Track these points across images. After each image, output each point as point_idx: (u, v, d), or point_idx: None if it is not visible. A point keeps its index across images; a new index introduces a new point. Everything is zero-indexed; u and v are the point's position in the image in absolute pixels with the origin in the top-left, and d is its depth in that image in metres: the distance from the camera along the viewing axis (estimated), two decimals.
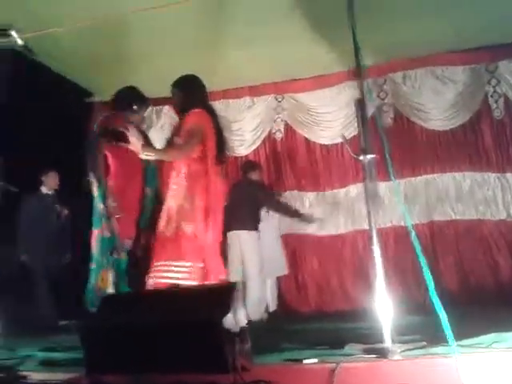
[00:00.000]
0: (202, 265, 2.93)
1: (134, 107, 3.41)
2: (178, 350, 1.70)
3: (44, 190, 5.39)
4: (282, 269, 5.38)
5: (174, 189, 3.08)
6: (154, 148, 3.29)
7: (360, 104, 2.08)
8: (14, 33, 2.67)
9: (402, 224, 5.47)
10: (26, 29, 2.73)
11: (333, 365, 1.85)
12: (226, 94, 5.89)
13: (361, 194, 5.61)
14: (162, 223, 3.02)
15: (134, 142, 2.89)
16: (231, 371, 1.64)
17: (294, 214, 5.32)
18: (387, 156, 1.98)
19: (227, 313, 1.67)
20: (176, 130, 3.29)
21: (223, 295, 1.78)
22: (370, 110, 2.22)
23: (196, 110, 3.20)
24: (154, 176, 3.38)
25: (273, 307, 5.26)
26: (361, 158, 2.03)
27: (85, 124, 6.11)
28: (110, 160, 3.35)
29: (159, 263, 2.92)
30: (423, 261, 1.97)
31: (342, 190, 5.77)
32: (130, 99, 3.44)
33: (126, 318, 1.84)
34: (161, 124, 6.30)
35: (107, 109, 5.98)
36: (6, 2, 3.82)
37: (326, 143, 5.90)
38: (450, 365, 1.78)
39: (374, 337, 2.17)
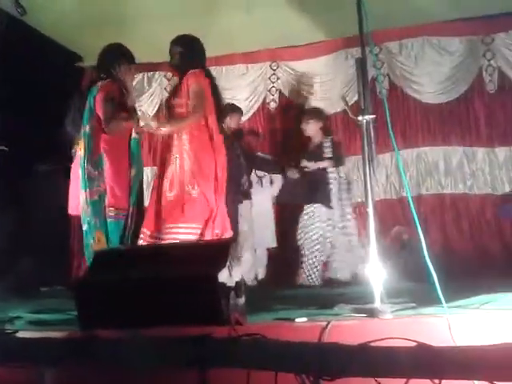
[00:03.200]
0: (210, 227, 2.97)
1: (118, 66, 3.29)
2: (174, 304, 1.71)
3: None
4: (272, 241, 5.38)
5: (176, 157, 3.04)
6: (168, 120, 3.16)
7: (361, 63, 2.04)
8: None
9: (388, 197, 5.52)
10: None
11: (323, 323, 1.87)
12: (219, 61, 5.74)
13: (354, 168, 5.62)
14: (166, 189, 3.01)
15: (147, 119, 2.83)
16: (226, 324, 1.66)
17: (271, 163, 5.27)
18: (388, 119, 1.95)
19: (223, 267, 1.69)
20: (175, 91, 3.20)
21: (219, 250, 1.79)
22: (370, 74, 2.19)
23: (196, 71, 3.11)
24: (138, 153, 3.28)
25: (261, 276, 5.28)
26: (359, 118, 2.01)
27: (75, 88, 6.03)
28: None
29: (168, 225, 2.94)
30: (419, 228, 1.98)
31: None
32: (116, 57, 3.33)
33: (121, 273, 1.84)
34: (152, 91, 6.19)
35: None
36: None
37: None
38: (440, 324, 1.81)
39: (364, 299, 2.20)
